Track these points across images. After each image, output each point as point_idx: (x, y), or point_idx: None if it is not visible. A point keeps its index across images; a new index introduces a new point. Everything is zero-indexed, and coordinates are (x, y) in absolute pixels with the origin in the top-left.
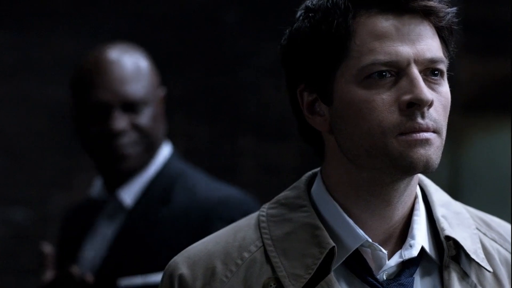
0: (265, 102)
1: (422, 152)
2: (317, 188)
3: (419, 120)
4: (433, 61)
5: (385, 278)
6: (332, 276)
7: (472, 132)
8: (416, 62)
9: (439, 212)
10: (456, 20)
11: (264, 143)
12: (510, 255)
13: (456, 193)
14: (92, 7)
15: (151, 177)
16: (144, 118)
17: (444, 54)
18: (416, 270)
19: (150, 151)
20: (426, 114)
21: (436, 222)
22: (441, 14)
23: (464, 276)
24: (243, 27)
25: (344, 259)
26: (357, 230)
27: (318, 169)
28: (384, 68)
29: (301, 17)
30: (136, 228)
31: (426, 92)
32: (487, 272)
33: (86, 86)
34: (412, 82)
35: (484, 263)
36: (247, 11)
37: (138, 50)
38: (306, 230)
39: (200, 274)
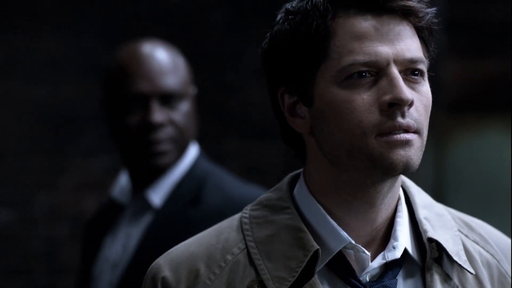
0: (249, 103)
1: (402, 153)
2: (300, 190)
3: (399, 119)
4: (412, 61)
5: (368, 280)
6: (316, 278)
7: (457, 133)
8: (396, 62)
9: (422, 214)
10: (436, 20)
11: (249, 143)
12: (491, 257)
13: (440, 193)
14: (79, 7)
15: (180, 176)
16: (180, 114)
17: (424, 54)
18: (399, 271)
19: (182, 149)
20: (406, 114)
21: (419, 224)
22: (420, 15)
23: (446, 278)
24: (228, 28)
25: (327, 261)
26: (340, 232)
27: (301, 170)
28: (363, 69)
29: (281, 20)
30: (165, 228)
31: (406, 92)
32: (469, 274)
33: (124, 77)
34: (391, 82)
35: (466, 265)
36: (232, 12)
37: (172, 46)
38: (289, 232)
39: (184, 276)
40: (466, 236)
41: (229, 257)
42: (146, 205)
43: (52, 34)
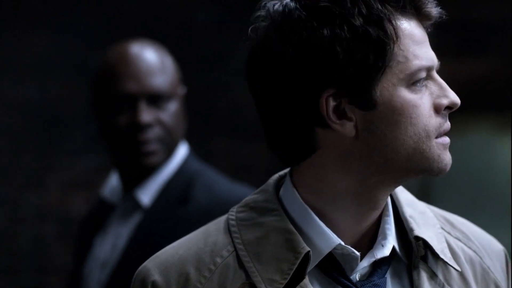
0: (238, 102)
1: (449, 155)
2: (287, 191)
3: (448, 122)
4: (439, 65)
5: (358, 279)
6: (307, 280)
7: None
8: (435, 66)
9: (407, 212)
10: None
11: (237, 143)
12: (474, 253)
13: (426, 193)
14: (67, 6)
15: (169, 176)
16: (168, 114)
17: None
18: (387, 269)
19: (171, 149)
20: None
21: (404, 222)
22: (434, 20)
23: (432, 275)
24: (216, 28)
25: (317, 262)
26: (330, 234)
27: (285, 171)
28: (425, 73)
29: (310, 21)
30: (154, 227)
31: (457, 96)
32: (453, 271)
33: (112, 78)
34: (442, 86)
35: (451, 262)
36: (220, 11)
37: (160, 46)
38: (278, 235)
39: (174, 280)
40: (449, 233)
41: (218, 260)
42: (136, 205)
43: (39, 34)
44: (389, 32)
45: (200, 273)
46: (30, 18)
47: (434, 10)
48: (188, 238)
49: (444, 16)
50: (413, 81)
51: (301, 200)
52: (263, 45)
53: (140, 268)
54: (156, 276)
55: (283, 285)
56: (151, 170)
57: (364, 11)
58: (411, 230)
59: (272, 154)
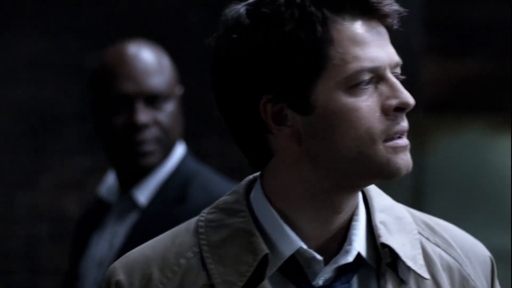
0: None
1: (405, 158)
2: (256, 193)
3: (403, 123)
4: (398, 64)
5: (321, 284)
6: (266, 283)
7: (436, 133)
8: (390, 66)
9: (378, 218)
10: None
11: (228, 143)
12: (453, 260)
13: (419, 194)
14: (59, 7)
15: (166, 176)
16: (165, 114)
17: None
18: (353, 276)
19: (168, 149)
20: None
21: (374, 228)
22: (396, 18)
23: (401, 283)
24: (209, 27)
25: (279, 265)
26: (292, 237)
27: (259, 173)
28: (369, 75)
29: (249, 27)
30: (151, 227)
31: (410, 96)
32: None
33: (109, 78)
34: (393, 87)
35: (421, 270)
36: (213, 10)
37: (158, 46)
38: (241, 236)
39: (137, 280)
40: (427, 239)
41: (182, 261)
42: (132, 204)
43: (32, 34)
44: (321, 35)
45: (163, 274)
46: (23, 18)
47: (384, 8)
48: (159, 239)
49: (403, 13)
50: (352, 84)
51: (267, 203)
52: (216, 52)
53: (109, 267)
54: (121, 276)
55: (240, 287)
56: (148, 170)
57: (296, 15)
58: (378, 236)
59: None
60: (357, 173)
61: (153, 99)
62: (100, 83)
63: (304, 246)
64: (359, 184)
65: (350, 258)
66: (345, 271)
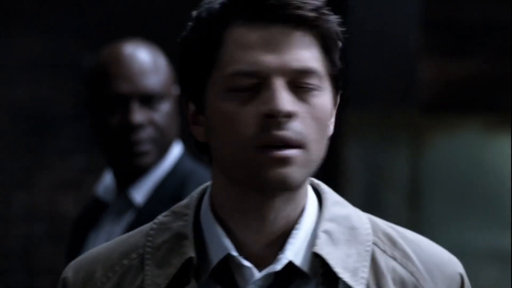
0: None
1: (279, 171)
2: (205, 197)
3: (275, 132)
4: (302, 71)
5: None
6: (193, 286)
7: (434, 133)
8: (283, 72)
9: (323, 226)
10: (339, 29)
11: None
12: (409, 275)
13: (416, 193)
14: (56, 7)
15: (162, 175)
16: (161, 114)
17: (324, 64)
18: (288, 285)
19: (164, 149)
20: (285, 126)
21: (315, 237)
22: (316, 23)
23: None
24: None
25: (210, 271)
26: (225, 243)
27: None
28: (246, 79)
29: (187, 26)
30: None
31: (283, 103)
32: None
33: (105, 78)
34: (270, 93)
35: (356, 282)
36: None
37: (154, 46)
38: (176, 239)
39: (81, 278)
40: (384, 251)
41: (125, 261)
42: (129, 204)
43: (28, 33)
44: (210, 38)
45: (105, 273)
46: (22, 18)
47: (287, 12)
48: (118, 238)
49: (315, 15)
50: (230, 87)
51: (209, 207)
52: None
53: None
54: (69, 273)
55: None
56: (144, 170)
57: (203, 17)
58: (314, 246)
59: None
60: (241, 180)
61: (149, 99)
62: (96, 82)
63: (234, 253)
64: (254, 193)
65: (279, 266)
66: (279, 279)
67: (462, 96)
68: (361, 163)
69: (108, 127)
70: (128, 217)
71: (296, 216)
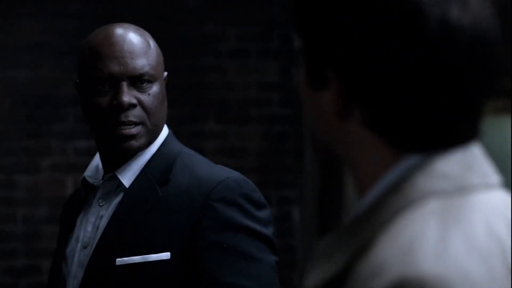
0: (228, 85)
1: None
2: None
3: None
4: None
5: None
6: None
7: None
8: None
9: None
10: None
11: (227, 126)
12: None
13: None
14: None
15: (149, 158)
16: (150, 96)
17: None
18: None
19: (152, 132)
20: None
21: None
22: None
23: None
24: (206, 11)
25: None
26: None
27: None
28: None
29: None
30: (134, 207)
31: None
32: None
33: (95, 59)
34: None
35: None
36: None
37: (144, 30)
38: None
39: None
40: None
41: None
42: (117, 186)
43: (30, 17)
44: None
45: None
46: (22, 1)
47: None
48: None
49: None
50: None
51: None
52: None
53: None
54: None
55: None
56: (132, 153)
57: None
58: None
59: (263, 136)
60: None
61: (139, 81)
62: (87, 64)
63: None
64: None
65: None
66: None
67: None
68: None
69: (98, 108)
70: (116, 200)
71: None
